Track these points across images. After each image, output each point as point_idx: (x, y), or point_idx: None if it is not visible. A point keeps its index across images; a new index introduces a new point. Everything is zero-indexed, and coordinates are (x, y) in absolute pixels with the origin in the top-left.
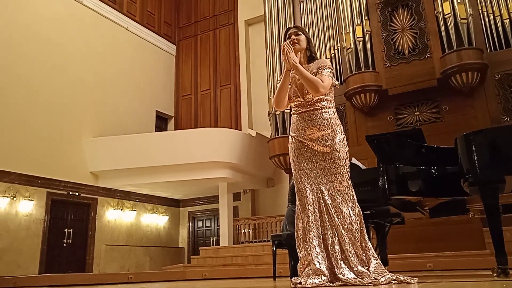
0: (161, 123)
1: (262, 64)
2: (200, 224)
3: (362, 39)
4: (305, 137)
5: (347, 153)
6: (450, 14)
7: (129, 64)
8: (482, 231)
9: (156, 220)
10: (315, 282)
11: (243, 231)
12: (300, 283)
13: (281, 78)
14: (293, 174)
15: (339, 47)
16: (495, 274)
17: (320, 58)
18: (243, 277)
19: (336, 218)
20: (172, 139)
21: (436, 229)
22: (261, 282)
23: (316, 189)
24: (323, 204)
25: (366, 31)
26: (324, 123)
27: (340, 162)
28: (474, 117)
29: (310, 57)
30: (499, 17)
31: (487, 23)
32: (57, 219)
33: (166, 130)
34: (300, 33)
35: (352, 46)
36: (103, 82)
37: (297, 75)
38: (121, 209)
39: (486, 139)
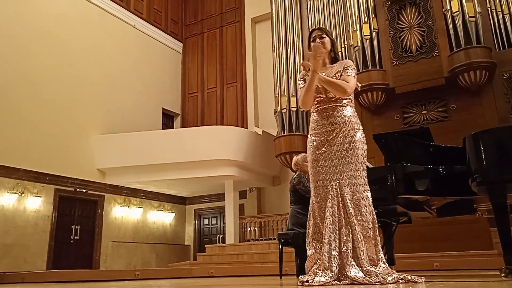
0: (168, 120)
1: (269, 62)
2: (206, 221)
3: (369, 37)
4: (325, 134)
5: (366, 151)
6: (458, 12)
7: (135, 62)
8: (489, 231)
9: (162, 218)
10: (321, 280)
11: (249, 229)
12: (307, 281)
13: (304, 77)
14: (311, 172)
15: (346, 45)
16: (502, 274)
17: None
18: (249, 275)
19: (353, 216)
20: (179, 136)
21: (443, 229)
22: (267, 280)
23: (335, 186)
24: (341, 201)
25: (374, 29)
26: (345, 120)
27: (358, 159)
28: (482, 116)
29: (334, 58)
30: (508, 15)
31: (496, 21)
32: (65, 216)
33: (173, 128)
34: (325, 35)
35: (359, 44)
36: (110, 80)
37: (322, 84)
38: (128, 206)
39: (494, 139)
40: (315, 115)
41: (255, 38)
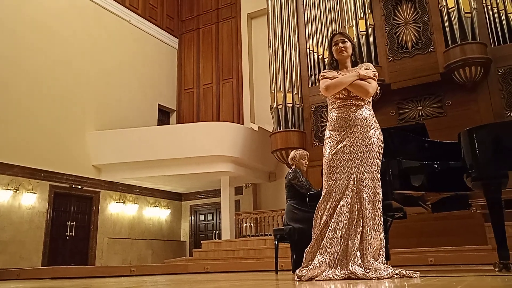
0: (163, 116)
1: (265, 57)
2: (202, 217)
3: (365, 33)
4: (344, 130)
5: (382, 148)
6: (454, 8)
7: (131, 58)
8: (484, 226)
9: (158, 214)
10: (316, 264)
11: (245, 225)
12: (304, 275)
13: (332, 71)
14: (328, 166)
15: None
16: (497, 269)
17: (327, 52)
18: (245, 270)
19: (367, 209)
20: (175, 132)
21: (438, 224)
22: (263, 276)
23: (353, 180)
24: (356, 195)
25: (369, 25)
26: (365, 117)
27: (375, 156)
28: (477, 112)
29: (355, 62)
30: (503, 11)
31: (491, 17)
32: (60, 212)
33: (168, 124)
34: (347, 40)
35: (355, 40)
36: (106, 76)
37: (350, 87)
38: (124, 203)
39: (489, 134)
40: (335, 111)
41: (251, 34)
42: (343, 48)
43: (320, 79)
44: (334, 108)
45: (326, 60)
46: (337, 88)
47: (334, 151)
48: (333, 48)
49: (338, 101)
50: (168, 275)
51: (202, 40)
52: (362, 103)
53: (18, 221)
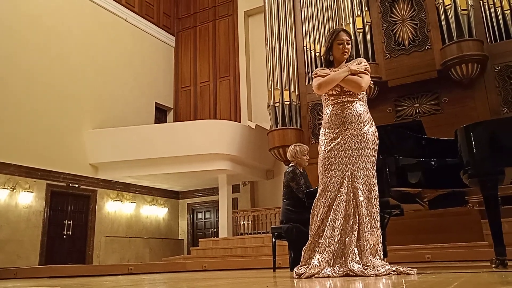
0: (160, 115)
1: (262, 55)
2: (199, 215)
3: (362, 30)
4: (339, 127)
5: (377, 145)
6: (450, 5)
7: (128, 56)
8: (480, 222)
9: (155, 212)
10: (315, 264)
11: (243, 222)
12: (304, 273)
13: (325, 69)
14: (323, 164)
15: None
16: (493, 265)
17: (324, 47)
18: (242, 268)
19: (363, 206)
20: (172, 131)
21: (435, 221)
22: (261, 273)
23: (348, 176)
24: (351, 192)
25: (366, 22)
26: (359, 113)
27: (370, 153)
28: (474, 108)
29: (348, 59)
30: (499, 8)
31: (488, 14)
32: (57, 211)
33: (165, 122)
34: (350, 42)
35: (352, 38)
36: (103, 74)
37: (342, 83)
38: (121, 201)
39: (486, 131)
40: (330, 108)
41: (248, 32)
42: (346, 50)
43: (313, 77)
44: (328, 105)
45: (323, 57)
46: (329, 85)
47: (328, 149)
48: (337, 45)
49: (332, 97)
50: (166, 273)
51: (199, 38)
52: (356, 99)
53: (15, 220)
